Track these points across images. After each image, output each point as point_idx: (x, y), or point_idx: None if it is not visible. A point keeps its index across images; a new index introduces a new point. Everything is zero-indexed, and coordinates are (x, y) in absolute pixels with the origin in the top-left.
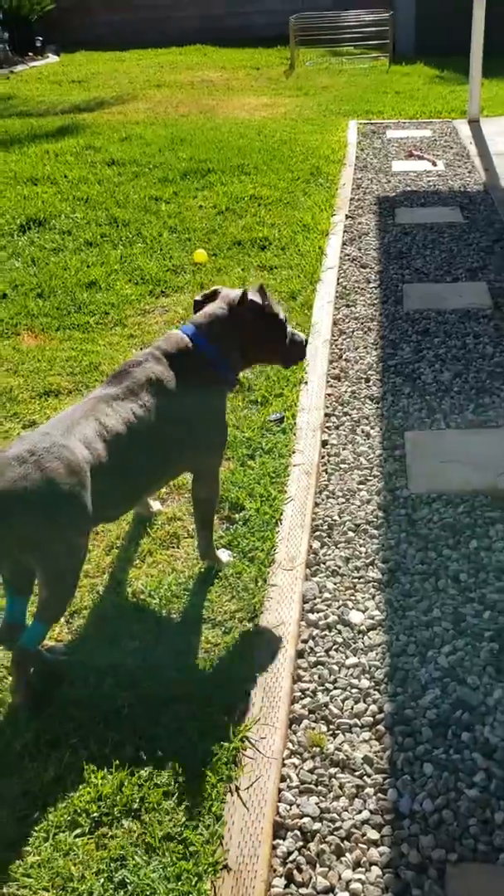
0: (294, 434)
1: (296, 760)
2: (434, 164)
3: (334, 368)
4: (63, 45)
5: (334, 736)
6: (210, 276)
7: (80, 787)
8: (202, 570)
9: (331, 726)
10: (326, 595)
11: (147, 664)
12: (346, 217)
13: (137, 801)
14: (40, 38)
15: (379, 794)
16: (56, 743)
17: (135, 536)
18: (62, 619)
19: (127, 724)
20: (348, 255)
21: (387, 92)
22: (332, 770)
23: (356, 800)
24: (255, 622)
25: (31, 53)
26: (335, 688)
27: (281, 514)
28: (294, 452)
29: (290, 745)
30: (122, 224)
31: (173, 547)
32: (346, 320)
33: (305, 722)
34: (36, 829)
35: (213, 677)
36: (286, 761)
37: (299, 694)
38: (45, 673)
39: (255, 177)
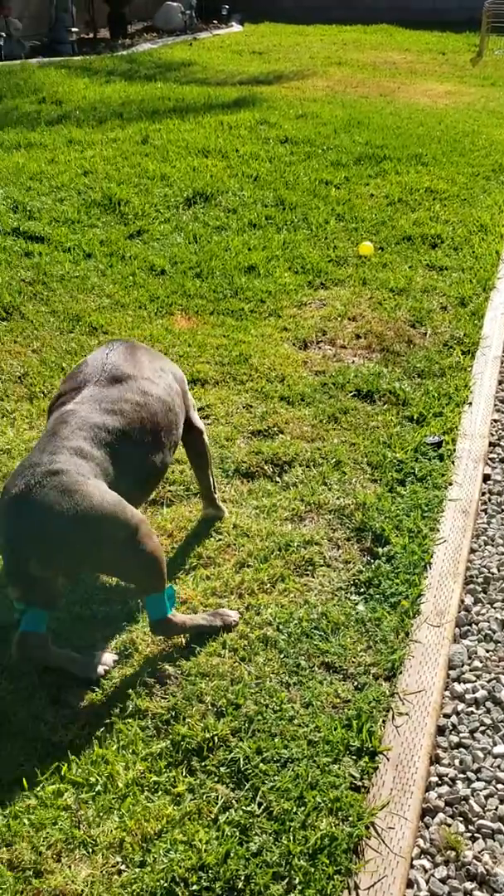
0: (452, 462)
1: (426, 863)
2: None
3: None
4: (248, 14)
5: (473, 840)
6: (374, 271)
7: (182, 848)
8: (337, 605)
9: (470, 827)
10: (477, 663)
11: (268, 710)
12: None
13: (243, 879)
14: (227, 7)
15: None
16: (157, 788)
17: (267, 556)
18: (182, 639)
19: (240, 778)
20: None
21: None
22: (468, 885)
23: None
24: (393, 683)
25: (215, 21)
26: (478, 779)
27: (431, 556)
28: (451, 485)
29: (420, 841)
30: (288, 207)
31: (307, 575)
32: None
33: (441, 816)
34: (128, 889)
35: (340, 741)
36: (415, 862)
37: (436, 779)
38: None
39: (433, 168)
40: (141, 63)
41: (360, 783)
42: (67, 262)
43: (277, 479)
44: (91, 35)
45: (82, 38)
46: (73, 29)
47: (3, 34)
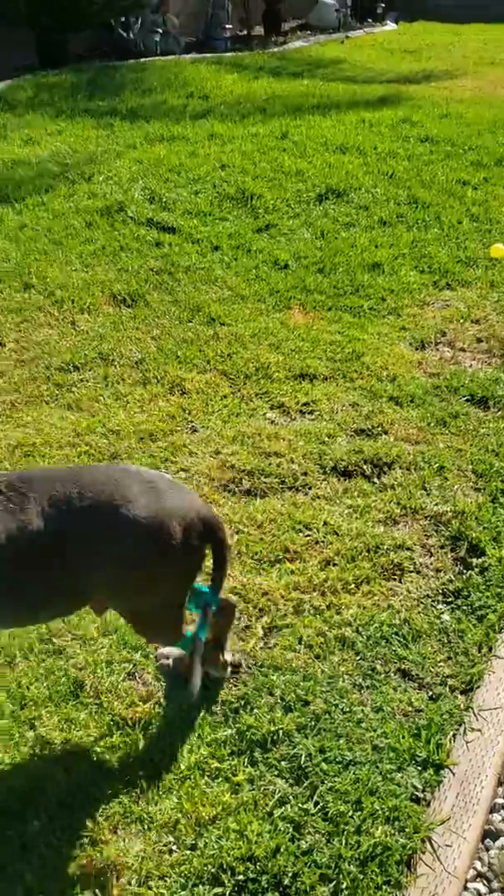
0: None
1: (481, 887)
2: None
3: None
4: (404, 13)
5: None
6: None
7: (234, 836)
8: (422, 612)
9: None
10: None
11: (336, 711)
12: None
13: (290, 876)
14: (382, 5)
15: None
16: (217, 774)
17: (354, 556)
18: (260, 633)
19: (300, 775)
20: None
21: None
22: None
23: None
24: (469, 697)
25: (370, 20)
26: None
27: None
28: None
29: (478, 864)
30: (421, 205)
31: (395, 579)
32: None
33: (502, 841)
34: (177, 869)
35: (406, 750)
36: (469, 884)
37: (501, 802)
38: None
39: None
40: (290, 60)
41: (421, 795)
42: (195, 253)
43: (375, 479)
44: (245, 32)
45: (236, 35)
46: (228, 26)
47: (160, 30)
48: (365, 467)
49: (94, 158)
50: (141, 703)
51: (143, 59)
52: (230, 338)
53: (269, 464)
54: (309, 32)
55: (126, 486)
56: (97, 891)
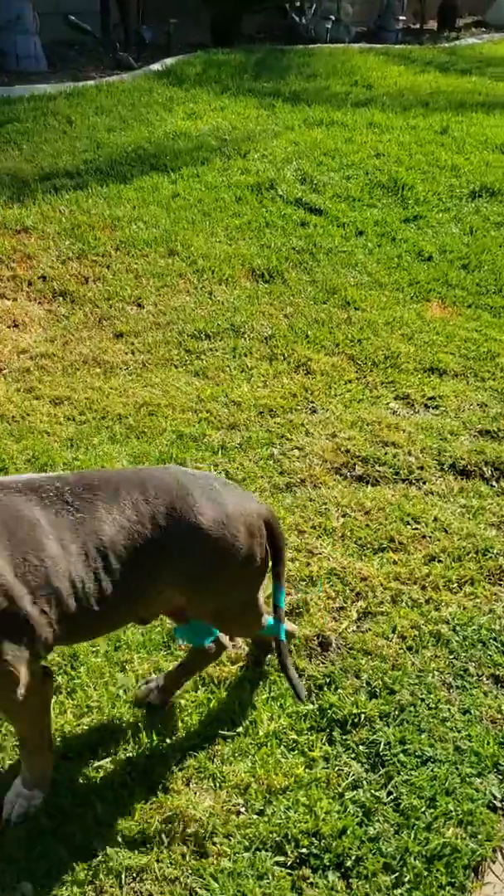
0: None
1: None
2: None
3: None
4: None
5: None
6: None
7: (302, 810)
8: None
9: None
10: None
11: (422, 705)
12: None
13: (353, 859)
14: None
15: None
16: (294, 746)
17: (461, 556)
18: (354, 616)
19: (377, 762)
20: None
21: None
22: None
23: None
24: None
25: None
26: None
27: None
28: None
29: None
30: None
31: (500, 585)
32: None
33: None
34: (242, 831)
35: (490, 756)
36: None
37: None
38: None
39: None
40: (461, 56)
41: (498, 804)
42: (339, 236)
43: (494, 483)
44: (418, 25)
45: (408, 27)
46: (401, 17)
47: (333, 17)
48: (485, 469)
49: (251, 136)
50: (229, 664)
51: (311, 45)
52: (363, 323)
53: (386, 453)
54: (483, 30)
55: (190, 489)
56: (164, 835)
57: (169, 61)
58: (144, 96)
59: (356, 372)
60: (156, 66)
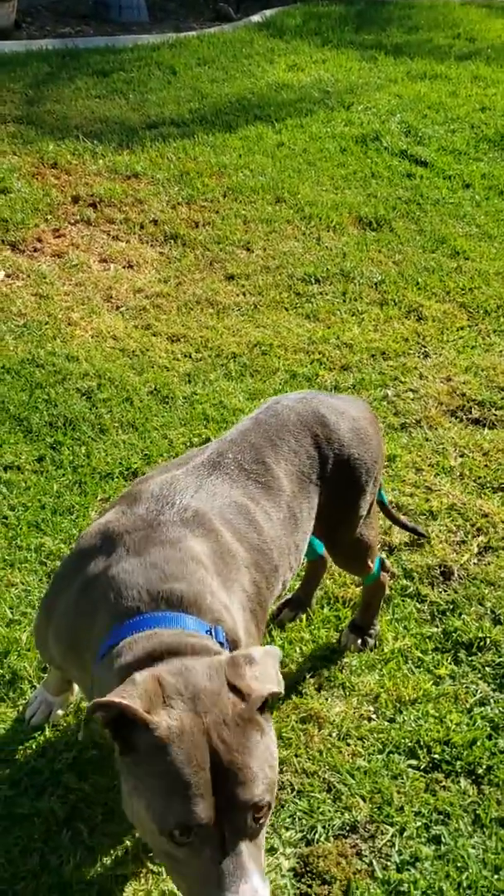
0: None
1: None
2: None
3: None
4: None
5: None
6: None
7: (432, 721)
8: None
9: None
10: None
11: None
12: None
13: (484, 767)
14: None
15: None
16: (420, 664)
17: None
18: (475, 550)
19: (503, 683)
20: None
21: None
22: None
23: None
24: None
25: None
26: None
27: None
28: None
29: None
30: None
31: None
32: None
33: None
34: (375, 735)
35: None
36: None
37: None
38: None
39: None
40: None
41: None
42: (445, 188)
43: None
44: None
45: None
46: None
47: None
48: None
49: (354, 89)
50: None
51: None
52: (473, 273)
53: (502, 398)
54: None
55: (321, 413)
56: (301, 733)
57: (269, 12)
58: (245, 48)
59: (468, 319)
60: (256, 18)
